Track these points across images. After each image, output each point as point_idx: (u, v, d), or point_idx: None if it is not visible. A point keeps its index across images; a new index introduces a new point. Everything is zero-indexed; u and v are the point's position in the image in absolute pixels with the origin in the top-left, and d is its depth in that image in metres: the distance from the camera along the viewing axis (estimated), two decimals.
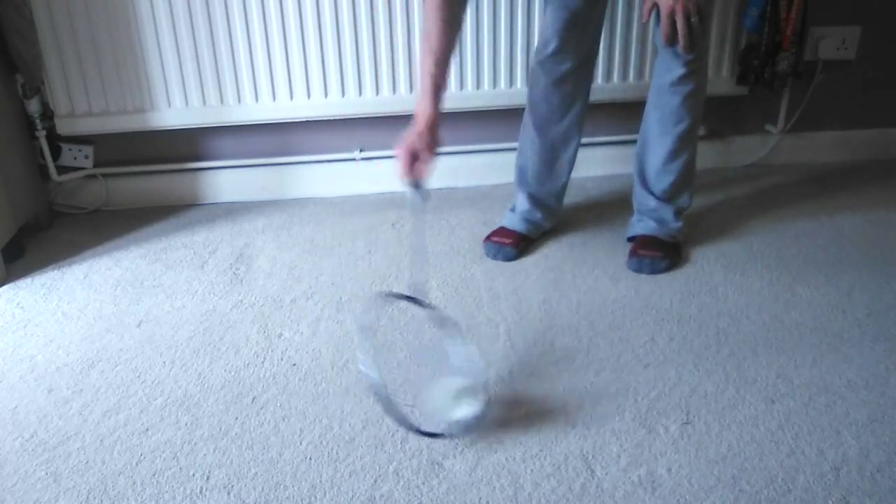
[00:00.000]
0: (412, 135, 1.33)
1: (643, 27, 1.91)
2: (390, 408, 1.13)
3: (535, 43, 1.71)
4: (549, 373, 1.28)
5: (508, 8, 1.87)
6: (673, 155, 1.60)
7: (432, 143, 1.34)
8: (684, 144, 1.60)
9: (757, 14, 1.91)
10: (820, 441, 1.10)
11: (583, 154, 1.75)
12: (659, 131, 1.59)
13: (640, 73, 1.96)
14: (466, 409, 1.13)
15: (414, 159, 1.31)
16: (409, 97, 1.94)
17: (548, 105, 1.65)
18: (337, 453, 1.11)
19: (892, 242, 1.70)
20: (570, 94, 1.65)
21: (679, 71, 1.50)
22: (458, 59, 1.91)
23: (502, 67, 1.92)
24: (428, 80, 1.36)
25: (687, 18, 1.40)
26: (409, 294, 1.29)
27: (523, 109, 1.71)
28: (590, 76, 1.68)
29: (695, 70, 1.50)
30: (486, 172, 2.09)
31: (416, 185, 1.32)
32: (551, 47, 1.59)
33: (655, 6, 1.44)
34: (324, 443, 1.13)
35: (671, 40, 1.44)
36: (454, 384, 1.17)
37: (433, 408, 1.16)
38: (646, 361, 1.30)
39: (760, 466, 1.06)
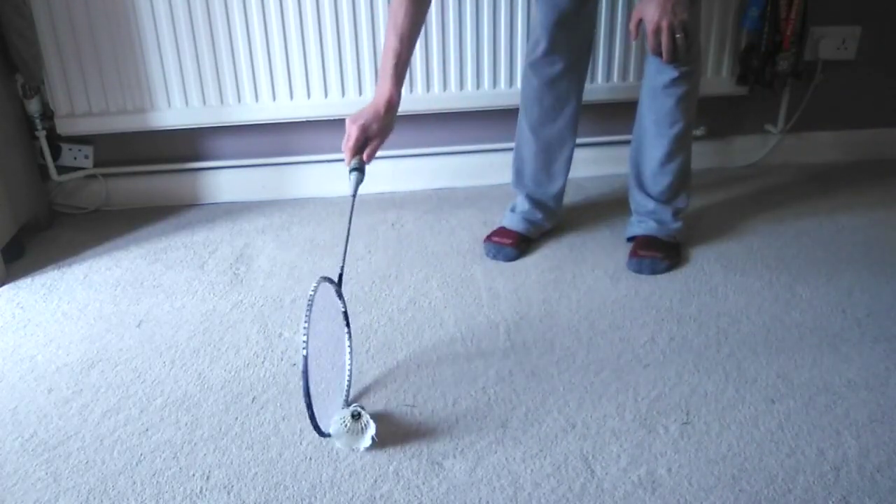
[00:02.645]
0: (368, 114, 1.30)
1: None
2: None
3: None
4: (549, 373, 1.28)
5: (508, 8, 1.87)
6: (669, 157, 1.60)
7: (386, 126, 1.32)
8: (680, 146, 1.59)
9: (757, 14, 1.91)
10: (820, 441, 1.10)
11: (582, 154, 1.75)
12: (654, 134, 1.59)
13: (639, 72, 1.96)
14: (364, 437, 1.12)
15: (363, 141, 1.29)
16: (408, 97, 1.93)
17: (541, 107, 1.65)
18: (337, 453, 1.11)
19: (892, 242, 1.70)
20: (562, 96, 1.64)
21: (672, 74, 1.50)
22: (458, 59, 1.91)
23: (502, 67, 1.93)
24: (390, 57, 1.34)
25: (672, 35, 1.40)
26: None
27: None
28: (582, 77, 1.67)
29: (688, 72, 1.50)
30: (485, 172, 2.09)
31: (359, 167, 1.27)
32: (541, 48, 1.59)
33: (642, 21, 1.44)
34: (324, 443, 1.13)
35: (658, 53, 1.44)
36: (345, 417, 1.14)
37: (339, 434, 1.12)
38: (646, 361, 1.30)
39: (760, 466, 1.06)
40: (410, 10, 1.34)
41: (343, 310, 1.25)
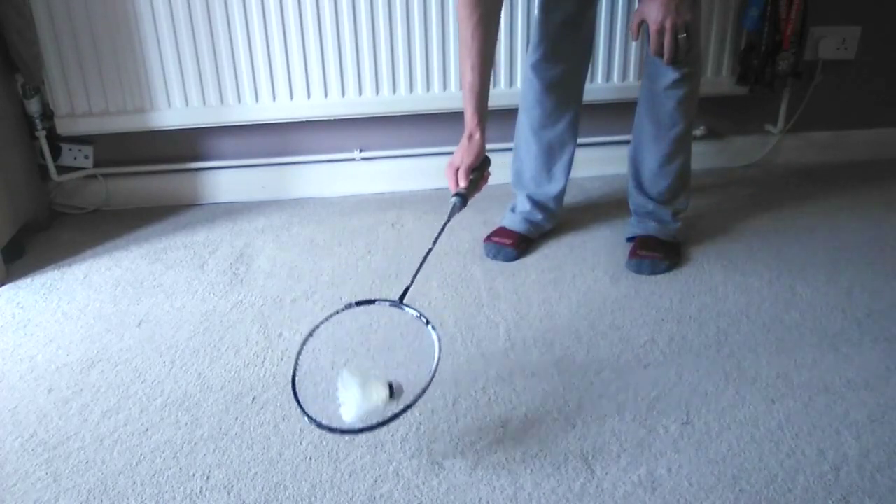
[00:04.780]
0: (456, 153, 1.35)
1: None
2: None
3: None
4: (549, 373, 1.28)
5: (508, 8, 1.87)
6: (668, 158, 1.60)
7: (473, 153, 1.35)
8: (679, 148, 1.59)
9: (757, 14, 1.91)
10: (820, 441, 1.10)
11: (583, 154, 1.75)
12: (653, 135, 1.59)
13: (640, 73, 1.96)
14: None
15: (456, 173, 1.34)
16: (409, 97, 1.94)
17: (542, 109, 1.65)
18: (337, 453, 1.11)
19: (891, 242, 1.70)
20: (564, 98, 1.64)
21: (673, 76, 1.50)
22: (458, 59, 1.90)
23: (502, 67, 1.92)
24: (465, 87, 1.36)
25: (674, 35, 1.39)
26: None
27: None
28: (583, 79, 1.67)
29: (688, 74, 1.50)
30: None
31: (459, 195, 1.31)
32: (542, 51, 1.59)
33: (644, 21, 1.43)
34: (324, 443, 1.13)
35: (660, 54, 1.44)
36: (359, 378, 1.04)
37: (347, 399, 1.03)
38: (646, 361, 1.30)
39: (760, 466, 1.06)
40: (480, 32, 1.33)
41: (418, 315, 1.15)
